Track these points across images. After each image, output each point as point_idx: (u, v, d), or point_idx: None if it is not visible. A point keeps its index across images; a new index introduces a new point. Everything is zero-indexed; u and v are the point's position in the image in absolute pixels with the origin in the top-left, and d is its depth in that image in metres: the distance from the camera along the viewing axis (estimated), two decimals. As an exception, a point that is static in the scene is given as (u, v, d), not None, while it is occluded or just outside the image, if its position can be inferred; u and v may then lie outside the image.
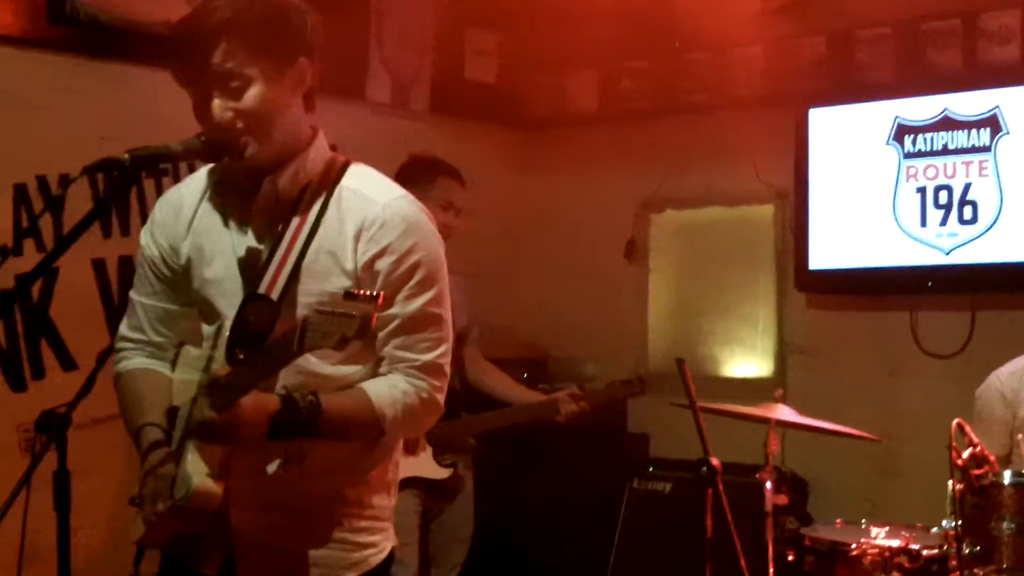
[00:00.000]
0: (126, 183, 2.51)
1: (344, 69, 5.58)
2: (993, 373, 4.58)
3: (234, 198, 2.71)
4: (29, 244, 4.39)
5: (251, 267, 2.65)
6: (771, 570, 4.09)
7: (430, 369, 2.68)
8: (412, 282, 2.63)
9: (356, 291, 2.30)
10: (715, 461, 3.89)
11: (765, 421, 4.29)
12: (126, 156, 2.44)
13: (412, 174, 4.72)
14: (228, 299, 2.65)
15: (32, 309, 4.43)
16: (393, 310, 2.61)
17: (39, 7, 4.47)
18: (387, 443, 2.75)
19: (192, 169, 2.90)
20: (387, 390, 2.63)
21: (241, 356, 2.49)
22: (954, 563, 3.71)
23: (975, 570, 3.64)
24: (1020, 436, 4.38)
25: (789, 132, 5.78)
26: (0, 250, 4.30)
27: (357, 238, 2.61)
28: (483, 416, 4.82)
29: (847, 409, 5.36)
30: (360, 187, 2.68)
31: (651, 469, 5.61)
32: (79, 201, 3.29)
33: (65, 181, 2.47)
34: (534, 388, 5.24)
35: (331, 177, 2.68)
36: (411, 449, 4.56)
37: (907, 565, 3.84)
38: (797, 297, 5.86)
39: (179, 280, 2.78)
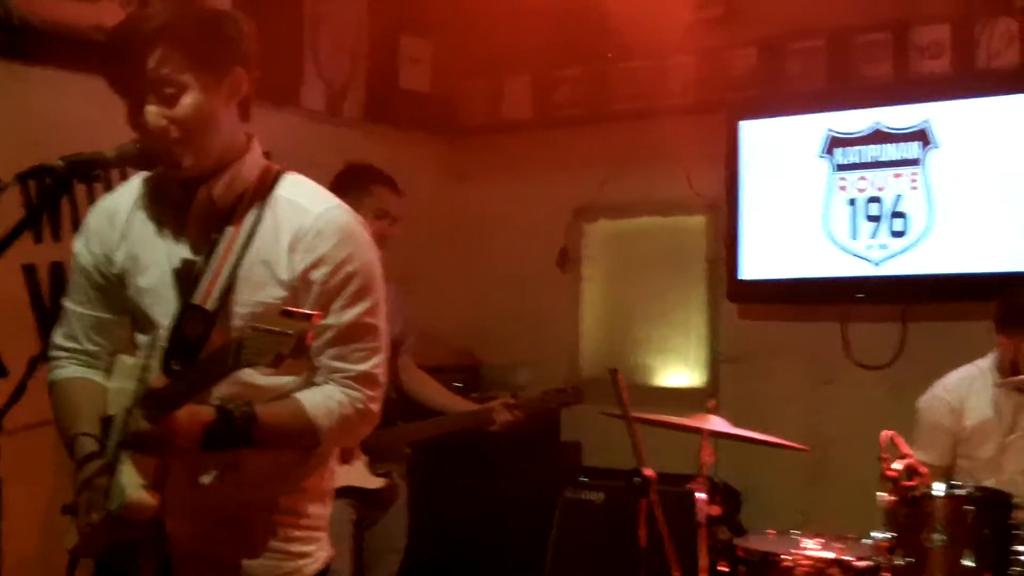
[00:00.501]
0: (59, 189, 2.46)
1: (278, 76, 5.53)
2: (938, 383, 4.62)
3: (168, 206, 2.68)
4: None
5: (186, 277, 2.62)
6: (704, 581, 4.10)
7: (365, 379, 2.67)
8: (347, 292, 2.62)
9: (292, 309, 2.28)
10: (649, 472, 3.89)
11: (698, 431, 4.30)
12: (60, 162, 2.41)
13: (346, 182, 4.69)
14: (163, 308, 2.63)
15: (-39, 316, 4.35)
16: (328, 320, 2.60)
17: (-30, 10, 4.39)
18: (322, 453, 2.74)
19: (125, 176, 2.86)
20: (322, 400, 2.62)
21: (176, 367, 2.50)
22: (886, 574, 3.75)
23: (907, 581, 3.68)
24: (1011, 437, 4.41)
25: (721, 142, 5.82)
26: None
27: (292, 248, 2.60)
28: (417, 425, 4.80)
29: (779, 419, 5.41)
30: (295, 196, 2.66)
31: (584, 479, 5.60)
32: (9, 206, 3.23)
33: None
34: (467, 396, 5.22)
35: (266, 186, 2.66)
36: (345, 458, 4.52)
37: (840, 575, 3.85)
38: (729, 307, 5.90)
39: (113, 288, 2.75)
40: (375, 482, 4.59)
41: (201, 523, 2.63)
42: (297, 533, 2.72)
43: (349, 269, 2.62)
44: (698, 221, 6.05)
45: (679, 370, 6.11)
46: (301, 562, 2.74)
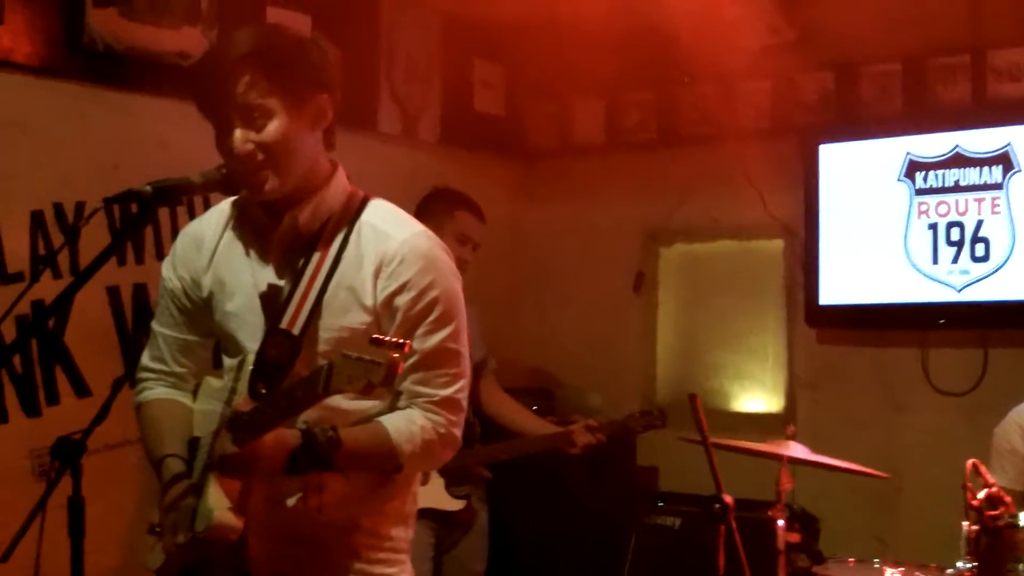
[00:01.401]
0: (145, 215, 2.50)
1: (354, 100, 5.58)
2: (1013, 409, 4.58)
3: (254, 231, 2.73)
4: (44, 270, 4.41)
5: (272, 302, 2.67)
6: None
7: (447, 404, 2.69)
8: (430, 318, 2.65)
9: (382, 337, 2.30)
10: (728, 498, 3.88)
11: (777, 458, 4.28)
12: (148, 188, 2.47)
13: (431, 206, 4.74)
14: (249, 332, 2.68)
15: (47, 335, 4.41)
16: (415, 346, 2.62)
17: (56, 37, 4.45)
18: (405, 476, 2.76)
19: (208, 202, 2.91)
20: (405, 425, 2.64)
21: (263, 391, 2.55)
22: (971, 604, 3.70)
23: (991, 611, 3.63)
24: None
25: (795, 166, 5.80)
26: (17, 276, 4.32)
27: (376, 274, 2.64)
28: (497, 447, 4.81)
29: (855, 445, 5.36)
30: (378, 222, 2.69)
31: (660, 503, 5.57)
32: (93, 227, 3.30)
33: (85, 213, 2.47)
34: (544, 419, 5.21)
35: (351, 212, 2.70)
36: (423, 479, 4.54)
37: (923, 605, 3.81)
38: (806, 332, 5.85)
39: (199, 312, 2.81)
40: (454, 504, 4.60)
41: (284, 544, 2.67)
42: (380, 555, 2.75)
43: (432, 295, 2.65)
44: (774, 245, 6.00)
45: (755, 395, 6.07)
46: None
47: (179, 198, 2.62)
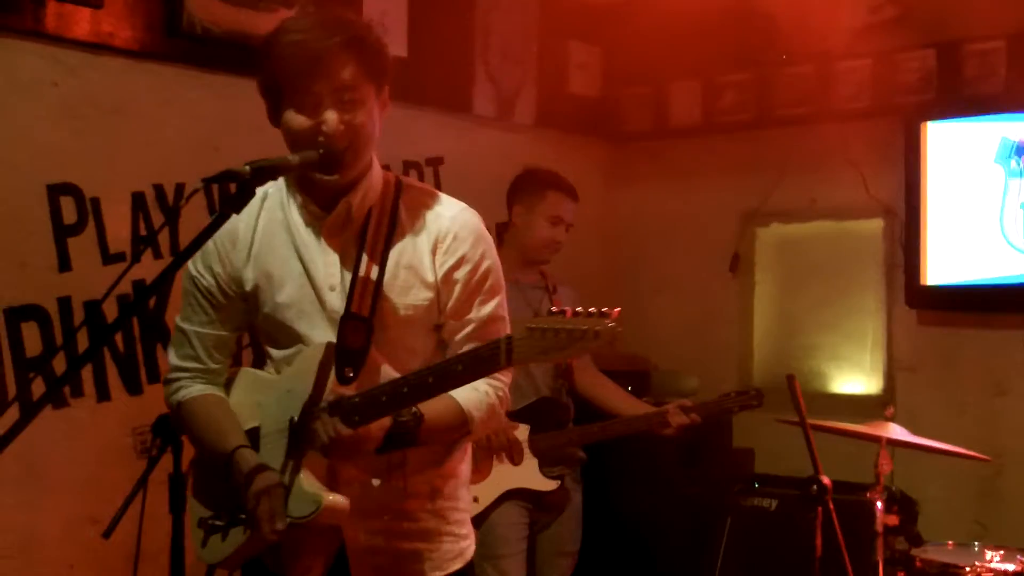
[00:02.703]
0: (244, 195, 2.54)
1: (451, 82, 5.64)
2: None
3: (303, 218, 2.76)
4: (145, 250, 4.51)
5: (326, 287, 2.72)
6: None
7: (508, 371, 2.79)
8: (485, 288, 2.79)
9: (577, 309, 2.32)
10: (826, 479, 3.85)
11: (877, 440, 4.23)
12: (246, 168, 2.48)
13: (523, 187, 4.74)
14: (307, 320, 2.73)
15: (148, 315, 4.50)
16: (470, 315, 2.76)
17: (156, 21, 4.54)
18: (468, 439, 2.89)
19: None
20: (472, 393, 2.74)
21: (350, 375, 2.62)
22: (1072, 588, 3.65)
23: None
24: None
25: (895, 146, 5.72)
26: (118, 256, 4.42)
27: (434, 251, 2.75)
28: (590, 427, 4.78)
29: (955, 428, 5.30)
30: (424, 202, 2.80)
31: (756, 485, 5.54)
32: (193, 208, 3.35)
33: (185, 194, 2.51)
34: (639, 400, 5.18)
35: (390, 194, 2.78)
36: (516, 459, 4.56)
37: (1023, 589, 3.75)
38: (905, 313, 5.77)
39: (236, 307, 2.84)
40: (547, 484, 4.61)
41: (374, 519, 2.74)
42: (458, 516, 2.88)
43: (486, 266, 2.78)
44: (873, 226, 5.92)
45: (853, 377, 6.00)
46: (464, 543, 2.89)
47: (276, 177, 2.66)
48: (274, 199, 2.80)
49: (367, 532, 2.73)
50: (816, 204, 6.10)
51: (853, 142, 5.89)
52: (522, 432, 4.59)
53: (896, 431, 4.24)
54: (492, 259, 2.81)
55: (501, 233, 4.85)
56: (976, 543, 4.36)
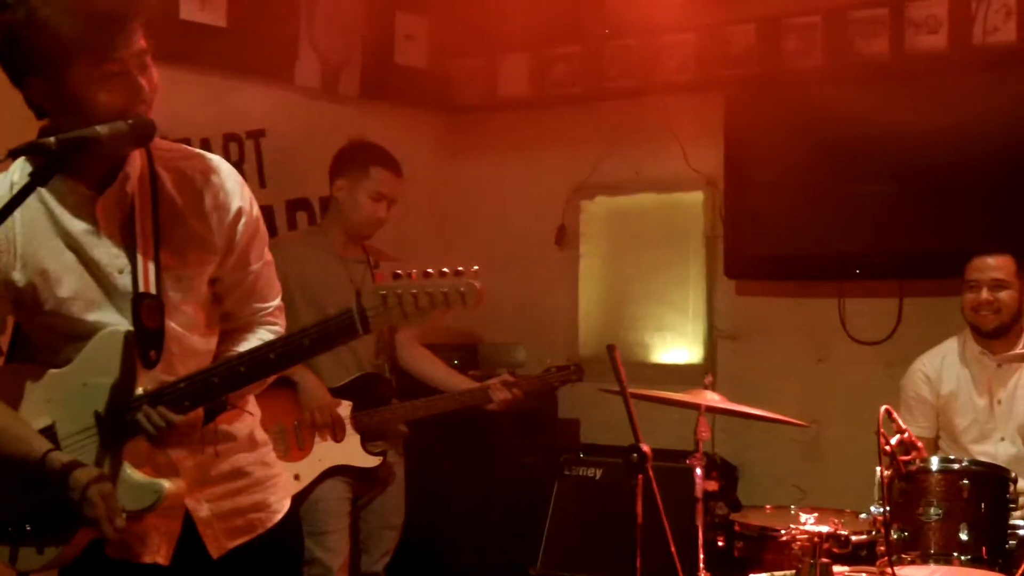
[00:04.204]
0: (52, 167, 2.44)
1: (273, 53, 5.51)
2: (918, 358, 4.78)
3: (57, 206, 2.59)
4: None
5: (114, 271, 2.60)
6: (701, 556, 4.09)
7: (280, 310, 2.84)
8: (260, 234, 2.76)
9: (443, 269, 2.31)
10: (645, 447, 3.89)
11: (695, 407, 4.30)
12: (52, 140, 2.39)
13: (346, 161, 4.67)
14: (97, 310, 2.60)
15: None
16: (253, 267, 2.74)
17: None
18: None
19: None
20: (256, 343, 2.70)
21: (155, 358, 2.56)
22: (882, 548, 3.76)
23: (903, 555, 3.68)
24: (986, 404, 4.53)
25: (718, 119, 5.81)
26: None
27: (208, 211, 2.65)
28: (414, 403, 4.75)
29: (776, 395, 5.43)
30: (182, 160, 2.68)
31: (581, 455, 5.60)
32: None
33: (-11, 164, 2.41)
34: (465, 374, 5.19)
35: (145, 160, 2.63)
36: (338, 436, 4.52)
37: (836, 551, 3.83)
38: (726, 284, 5.89)
39: (3, 309, 2.67)
40: (370, 460, 4.59)
41: (212, 486, 2.72)
42: (271, 456, 2.90)
43: (256, 213, 2.75)
44: (696, 198, 6.03)
45: (677, 347, 6.11)
46: (284, 478, 2.97)
47: (85, 151, 2.55)
48: (34, 191, 2.55)
49: (208, 501, 2.70)
50: (641, 176, 6.17)
51: (677, 115, 5.98)
52: (344, 408, 4.56)
53: (713, 398, 4.31)
54: (256, 206, 2.75)
55: (324, 207, 4.78)
56: (793, 506, 4.46)
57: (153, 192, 2.61)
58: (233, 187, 2.69)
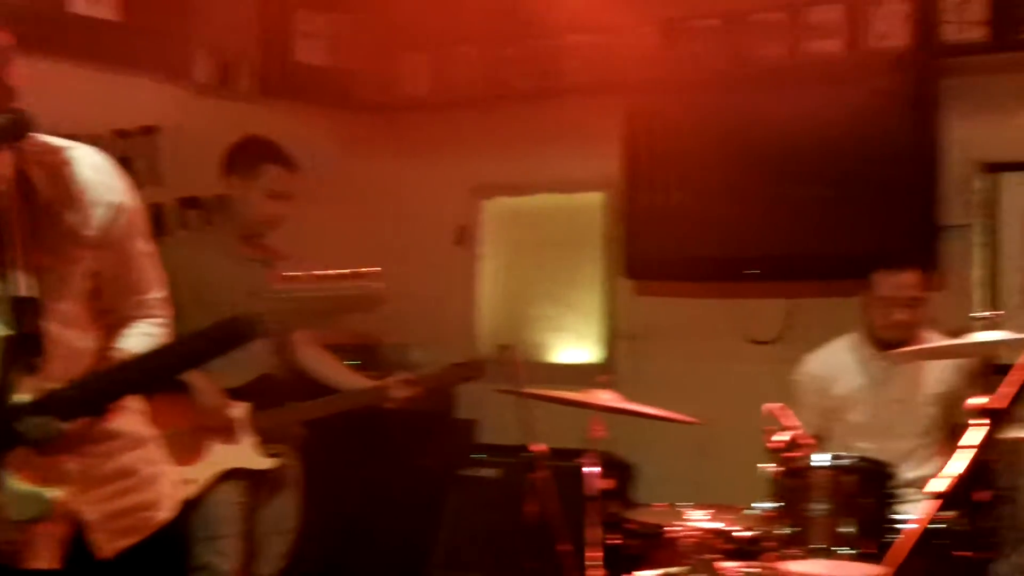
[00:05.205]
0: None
1: (168, 48, 5.44)
2: (805, 358, 4.86)
3: None
4: None
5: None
6: (594, 553, 4.11)
7: (164, 303, 2.80)
8: (137, 228, 2.71)
9: (344, 271, 2.26)
10: (539, 447, 3.91)
11: (588, 406, 4.32)
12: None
13: (240, 158, 4.57)
14: None
15: None
16: (131, 259, 2.71)
17: None
18: None
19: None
20: (143, 340, 2.69)
21: (36, 364, 2.45)
22: (769, 544, 3.80)
23: (789, 550, 3.73)
24: (881, 401, 4.64)
25: (619, 121, 5.84)
26: None
27: (85, 206, 2.60)
28: (310, 404, 4.68)
29: (674, 394, 5.42)
30: (51, 153, 2.60)
31: (479, 456, 5.60)
32: None
33: None
34: (363, 374, 5.15)
35: (14, 156, 2.54)
36: (231, 438, 4.45)
37: (724, 546, 3.90)
38: (625, 284, 5.92)
39: None
40: (264, 463, 4.51)
41: (97, 488, 2.67)
42: (156, 451, 2.86)
43: (132, 206, 2.69)
44: (595, 199, 6.07)
45: (576, 347, 6.13)
46: (172, 472, 2.99)
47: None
48: None
49: (96, 503, 2.65)
50: (541, 177, 6.19)
51: (578, 116, 6.00)
52: (240, 410, 4.49)
53: (608, 398, 4.33)
54: (133, 192, 2.70)
55: (219, 206, 4.72)
56: (688, 504, 4.49)
57: (24, 190, 2.54)
58: (107, 179, 2.64)
